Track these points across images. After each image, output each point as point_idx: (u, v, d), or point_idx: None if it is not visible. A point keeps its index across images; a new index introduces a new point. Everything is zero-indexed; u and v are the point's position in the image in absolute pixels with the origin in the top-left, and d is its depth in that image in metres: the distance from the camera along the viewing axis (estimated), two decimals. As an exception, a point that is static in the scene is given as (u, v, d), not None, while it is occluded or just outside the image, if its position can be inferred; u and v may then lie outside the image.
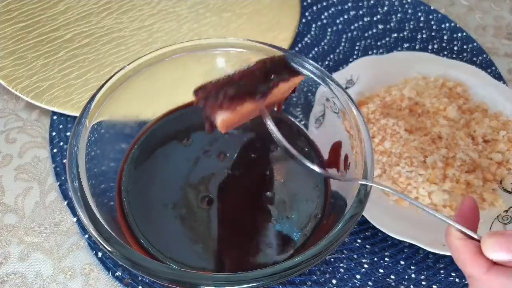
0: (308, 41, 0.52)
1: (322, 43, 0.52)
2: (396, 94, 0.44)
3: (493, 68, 0.50)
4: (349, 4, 0.56)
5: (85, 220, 0.27)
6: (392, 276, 0.35)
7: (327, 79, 0.35)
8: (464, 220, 0.26)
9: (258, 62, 0.30)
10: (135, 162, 0.36)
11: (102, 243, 0.26)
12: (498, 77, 0.49)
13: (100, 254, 0.35)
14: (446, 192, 0.38)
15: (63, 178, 0.40)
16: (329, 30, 0.53)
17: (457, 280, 0.35)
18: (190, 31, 0.51)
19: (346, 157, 0.34)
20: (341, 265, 0.36)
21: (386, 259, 0.36)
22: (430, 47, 0.52)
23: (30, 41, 0.48)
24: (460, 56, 0.51)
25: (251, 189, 0.34)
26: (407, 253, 0.36)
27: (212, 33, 0.50)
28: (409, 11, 0.55)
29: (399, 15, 0.55)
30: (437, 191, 0.38)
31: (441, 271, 0.35)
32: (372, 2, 0.56)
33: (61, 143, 0.42)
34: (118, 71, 0.34)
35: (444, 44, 0.52)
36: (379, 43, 0.52)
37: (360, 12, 0.55)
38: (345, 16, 0.55)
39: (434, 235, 0.35)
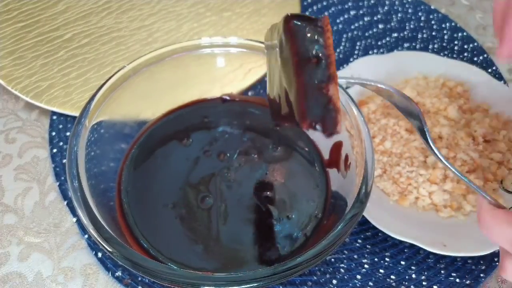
0: (308, 41, 0.52)
1: (322, 43, 0.52)
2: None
3: (494, 68, 0.50)
4: (349, 4, 0.56)
5: (85, 220, 0.27)
6: (392, 277, 0.35)
7: (328, 79, 0.35)
8: None
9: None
10: (135, 162, 0.36)
11: (102, 243, 0.26)
12: (499, 77, 0.49)
13: (100, 255, 0.35)
14: (447, 192, 0.38)
15: (62, 178, 0.40)
16: (329, 29, 0.53)
17: (457, 280, 0.35)
18: (190, 31, 0.50)
19: (346, 157, 0.34)
20: (341, 265, 0.36)
21: (387, 259, 0.36)
22: (430, 46, 0.52)
23: (30, 40, 0.48)
24: (461, 56, 0.51)
25: (251, 189, 0.34)
26: (407, 253, 0.36)
27: (212, 33, 0.50)
28: (410, 10, 0.55)
29: (399, 14, 0.55)
30: (438, 191, 0.37)
31: (442, 272, 0.35)
32: (372, 1, 0.56)
33: (61, 143, 0.42)
34: (118, 71, 0.34)
35: (444, 44, 0.52)
36: (379, 43, 0.52)
37: (361, 12, 0.55)
38: (345, 16, 0.55)
39: (434, 235, 0.35)
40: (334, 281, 0.35)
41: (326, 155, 0.36)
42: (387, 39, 0.52)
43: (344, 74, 0.45)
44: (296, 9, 0.53)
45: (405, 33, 0.53)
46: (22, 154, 0.41)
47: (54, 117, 0.44)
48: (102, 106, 0.33)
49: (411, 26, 0.54)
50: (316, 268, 0.35)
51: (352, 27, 0.54)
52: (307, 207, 0.34)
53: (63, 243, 0.36)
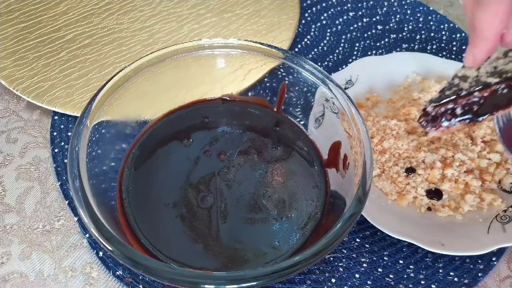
0: (308, 42, 0.52)
1: (322, 44, 0.52)
2: (396, 95, 0.44)
3: (492, 68, 0.50)
4: (349, 5, 0.56)
5: (86, 220, 0.27)
6: (391, 275, 0.35)
7: (327, 80, 0.35)
8: None
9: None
10: (136, 161, 0.36)
11: (103, 242, 0.27)
12: (497, 77, 0.50)
13: (101, 254, 0.36)
14: (445, 192, 0.38)
15: (64, 178, 0.40)
16: (328, 31, 0.53)
17: (455, 279, 0.35)
18: (190, 32, 0.51)
19: (345, 157, 0.34)
20: (340, 264, 0.36)
21: (385, 258, 0.36)
22: (429, 47, 0.52)
23: (31, 41, 0.49)
24: (459, 57, 0.51)
25: (251, 188, 0.35)
26: (406, 252, 0.37)
27: (212, 34, 0.51)
28: (408, 11, 0.56)
29: (398, 16, 0.55)
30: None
31: (440, 271, 0.36)
32: (371, 3, 0.57)
33: (62, 143, 0.42)
34: (119, 71, 0.34)
35: (443, 45, 0.52)
36: (378, 44, 0.52)
37: (360, 13, 0.55)
38: (345, 17, 0.55)
39: (432, 235, 0.35)
40: (333, 280, 0.35)
41: (325, 155, 0.37)
42: (386, 40, 0.53)
43: (343, 75, 0.45)
44: (295, 10, 0.54)
45: (404, 34, 0.53)
46: (23, 154, 0.42)
47: (56, 117, 0.44)
48: (103, 106, 0.33)
49: (410, 27, 0.54)
50: (315, 266, 0.36)
51: (351, 28, 0.54)
52: (306, 207, 0.34)
53: (64, 243, 0.36)
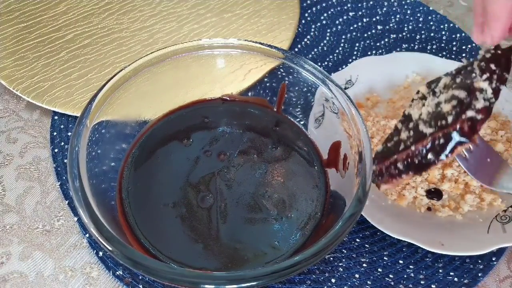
0: (308, 42, 0.52)
1: (322, 44, 0.52)
2: (396, 95, 0.44)
3: (492, 68, 0.50)
4: (349, 5, 0.56)
5: (86, 220, 0.27)
6: (391, 275, 0.35)
7: (327, 80, 0.35)
8: None
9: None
10: (136, 161, 0.36)
11: (103, 242, 0.27)
12: (497, 77, 0.50)
13: (100, 254, 0.36)
14: (445, 192, 0.38)
15: (64, 178, 0.40)
16: (328, 31, 0.53)
17: (455, 279, 0.35)
18: (190, 32, 0.51)
19: (345, 157, 0.34)
20: (340, 264, 0.36)
21: (385, 258, 0.36)
22: (429, 47, 0.52)
23: (31, 41, 0.49)
24: (459, 57, 0.51)
25: (250, 188, 0.35)
26: (406, 252, 0.37)
27: (212, 34, 0.51)
28: (408, 12, 0.56)
29: (398, 16, 0.55)
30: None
31: (440, 271, 0.36)
32: (371, 3, 0.57)
33: (62, 143, 0.42)
34: (119, 71, 0.34)
35: (443, 45, 0.52)
36: (378, 44, 0.52)
37: (360, 13, 0.55)
38: (345, 17, 0.55)
39: (432, 235, 0.35)
40: (333, 280, 0.35)
41: (325, 155, 0.37)
42: (386, 40, 0.53)
43: (343, 75, 0.45)
44: (295, 10, 0.54)
45: (404, 34, 0.53)
46: (23, 154, 0.42)
47: (56, 117, 0.44)
48: (103, 106, 0.33)
49: (410, 27, 0.54)
50: (315, 266, 0.36)
51: (351, 28, 0.54)
52: (306, 207, 0.34)
53: (64, 242, 0.36)
